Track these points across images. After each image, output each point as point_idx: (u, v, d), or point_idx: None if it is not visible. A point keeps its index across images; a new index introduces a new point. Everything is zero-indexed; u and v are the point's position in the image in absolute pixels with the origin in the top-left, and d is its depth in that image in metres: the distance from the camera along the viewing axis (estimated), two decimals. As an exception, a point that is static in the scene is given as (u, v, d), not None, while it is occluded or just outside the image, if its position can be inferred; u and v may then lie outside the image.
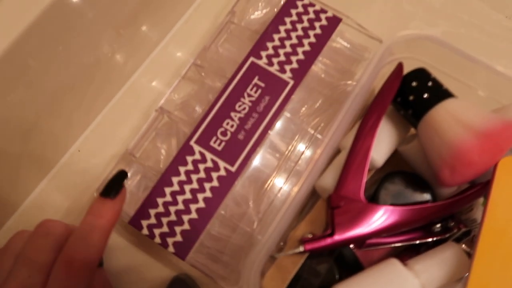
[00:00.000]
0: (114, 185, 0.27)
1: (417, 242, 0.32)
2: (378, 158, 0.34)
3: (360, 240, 0.31)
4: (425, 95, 0.33)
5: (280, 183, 0.37)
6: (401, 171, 0.35)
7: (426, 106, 0.32)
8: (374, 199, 0.34)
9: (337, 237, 0.30)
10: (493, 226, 0.29)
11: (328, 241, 0.30)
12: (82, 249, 0.24)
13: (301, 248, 0.30)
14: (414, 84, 0.34)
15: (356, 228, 0.31)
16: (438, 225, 0.32)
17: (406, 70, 0.35)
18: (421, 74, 0.34)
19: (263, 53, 0.39)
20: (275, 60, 0.39)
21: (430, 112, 0.32)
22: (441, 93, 0.33)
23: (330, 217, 0.31)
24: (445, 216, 0.32)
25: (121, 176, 0.28)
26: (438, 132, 0.31)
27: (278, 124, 0.38)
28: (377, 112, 0.34)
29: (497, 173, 0.30)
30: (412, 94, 0.33)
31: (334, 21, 0.40)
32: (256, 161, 0.38)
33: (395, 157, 0.36)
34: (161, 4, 0.43)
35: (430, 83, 0.33)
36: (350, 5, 0.42)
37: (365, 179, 0.32)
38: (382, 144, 0.35)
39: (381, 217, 0.31)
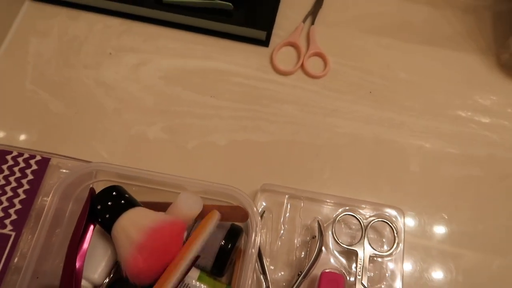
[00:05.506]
0: None
1: None
2: (97, 277, 0.39)
3: None
4: (107, 216, 0.38)
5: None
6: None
7: (110, 226, 0.37)
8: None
9: None
10: None
11: None
12: None
13: None
14: (98, 207, 0.39)
15: None
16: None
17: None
18: (104, 196, 0.39)
19: (-18, 217, 0.42)
20: (-6, 219, 0.42)
21: (112, 230, 0.37)
22: (118, 211, 0.38)
23: None
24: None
25: None
26: (117, 248, 0.36)
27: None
28: (74, 237, 0.38)
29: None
30: (99, 217, 0.39)
31: (44, 162, 0.45)
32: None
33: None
34: None
35: (110, 203, 0.39)
36: (63, 141, 0.47)
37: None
38: (99, 263, 0.39)
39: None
